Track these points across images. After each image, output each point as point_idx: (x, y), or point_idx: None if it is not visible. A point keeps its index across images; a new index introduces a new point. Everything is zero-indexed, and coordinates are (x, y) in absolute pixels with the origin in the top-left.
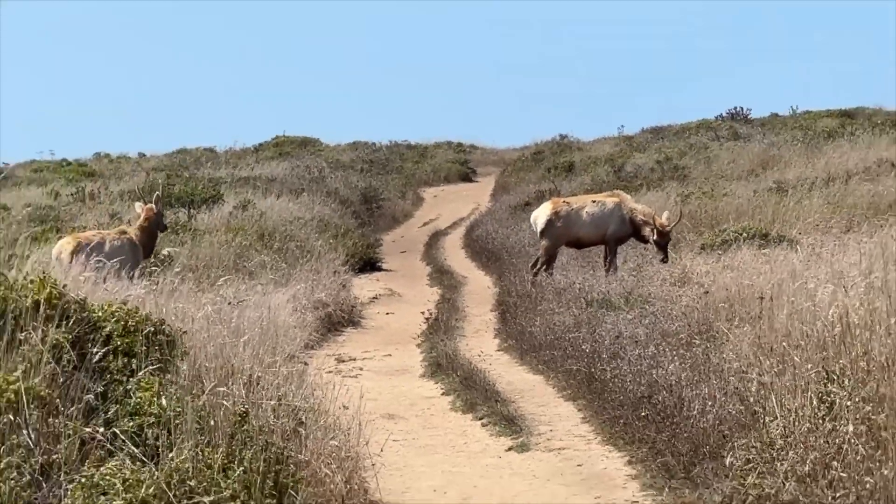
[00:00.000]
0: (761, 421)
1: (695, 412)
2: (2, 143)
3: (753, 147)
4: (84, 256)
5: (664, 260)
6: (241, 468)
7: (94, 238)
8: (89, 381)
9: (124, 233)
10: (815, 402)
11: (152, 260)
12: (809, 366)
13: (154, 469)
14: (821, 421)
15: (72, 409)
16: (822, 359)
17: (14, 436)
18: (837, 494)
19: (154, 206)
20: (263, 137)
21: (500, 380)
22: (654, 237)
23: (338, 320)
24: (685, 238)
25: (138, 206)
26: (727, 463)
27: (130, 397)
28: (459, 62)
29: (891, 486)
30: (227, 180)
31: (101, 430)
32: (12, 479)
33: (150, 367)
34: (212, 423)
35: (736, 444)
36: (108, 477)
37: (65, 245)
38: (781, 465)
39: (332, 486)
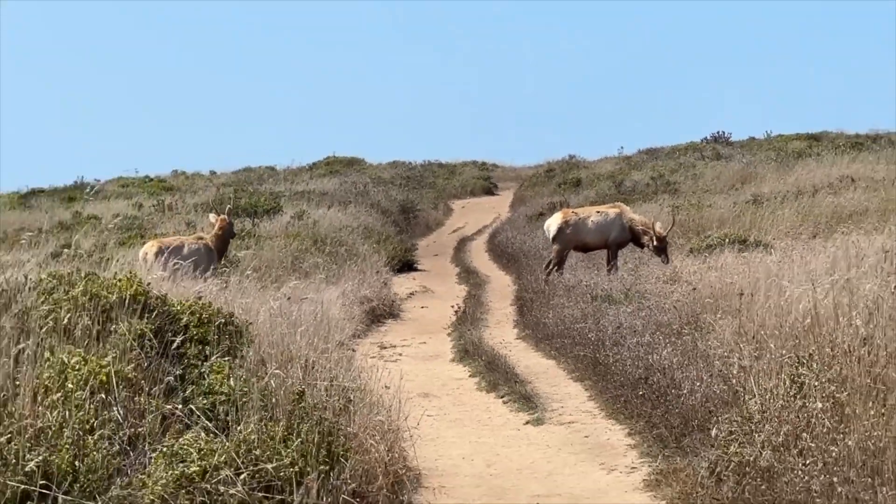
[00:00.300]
0: (742, 399)
1: (685, 391)
2: (95, 162)
3: (734, 165)
4: (165, 257)
5: (665, 261)
6: (299, 439)
7: (174, 242)
8: (169, 366)
9: (201, 238)
10: (787, 383)
11: (223, 262)
12: (783, 352)
13: (225, 440)
14: (792, 399)
15: (155, 389)
16: (793, 346)
17: (106, 412)
18: (807, 461)
19: (227, 216)
20: (316, 157)
21: (518, 364)
22: (654, 243)
23: (380, 313)
24: (675, 243)
25: (212, 217)
26: (712, 434)
27: (204, 379)
28: (483, 92)
29: (853, 455)
30: (285, 194)
31: (180, 407)
32: (104, 448)
33: (221, 353)
34: (273, 400)
35: (720, 418)
36: (185, 447)
37: (149, 247)
38: (759, 436)
39: (376, 454)
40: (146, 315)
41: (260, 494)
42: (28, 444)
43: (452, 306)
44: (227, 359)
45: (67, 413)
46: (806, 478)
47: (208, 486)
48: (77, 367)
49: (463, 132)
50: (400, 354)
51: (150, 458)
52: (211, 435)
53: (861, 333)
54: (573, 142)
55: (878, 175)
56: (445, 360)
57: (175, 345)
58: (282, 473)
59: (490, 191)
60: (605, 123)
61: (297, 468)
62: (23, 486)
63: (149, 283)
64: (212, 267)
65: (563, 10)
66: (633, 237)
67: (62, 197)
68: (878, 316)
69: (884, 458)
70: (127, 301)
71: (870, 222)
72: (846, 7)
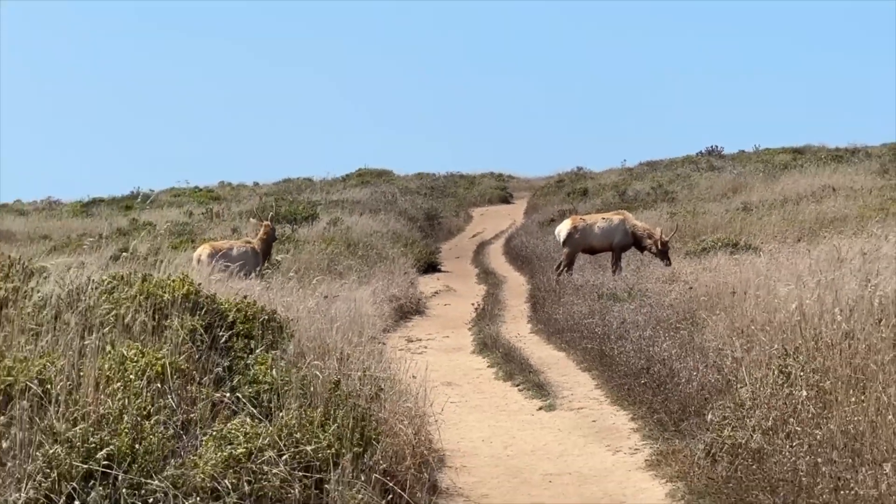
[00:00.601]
0: (734, 387)
1: (682, 380)
2: (149, 173)
3: (726, 176)
4: (216, 259)
5: (668, 264)
6: (335, 424)
7: (224, 245)
8: (218, 358)
9: (249, 242)
10: (776, 373)
11: (267, 264)
12: (772, 345)
13: (268, 425)
14: (780, 387)
15: (205, 379)
16: (781, 339)
17: (161, 400)
18: (794, 444)
19: (269, 222)
20: (349, 169)
21: (532, 356)
22: (658, 247)
23: (407, 310)
24: (673, 246)
25: (253, 220)
26: (708, 419)
27: (250, 370)
28: (501, 110)
29: (835, 438)
30: (321, 202)
31: (228, 395)
32: (160, 432)
33: (265, 347)
34: (312, 389)
35: (714, 404)
36: (233, 431)
37: (202, 250)
38: (750, 421)
39: (404, 437)
40: (197, 312)
41: (300, 473)
42: (91, 429)
43: (472, 304)
44: (270, 352)
45: (126, 401)
46: (793, 458)
47: (253, 467)
48: (135, 359)
49: (482, 146)
50: (425, 347)
51: (201, 441)
52: (256, 420)
53: (843, 328)
54: (581, 155)
55: (857, 185)
56: (466, 352)
57: (223, 339)
58: (320, 455)
59: (506, 199)
60: (609, 138)
61: (333, 450)
62: (87, 466)
63: (199, 284)
64: (257, 268)
65: (569, 33)
66: (636, 241)
67: (120, 205)
68: (858, 312)
69: (863, 441)
70: (179, 300)
71: (850, 227)
72: (827, 31)
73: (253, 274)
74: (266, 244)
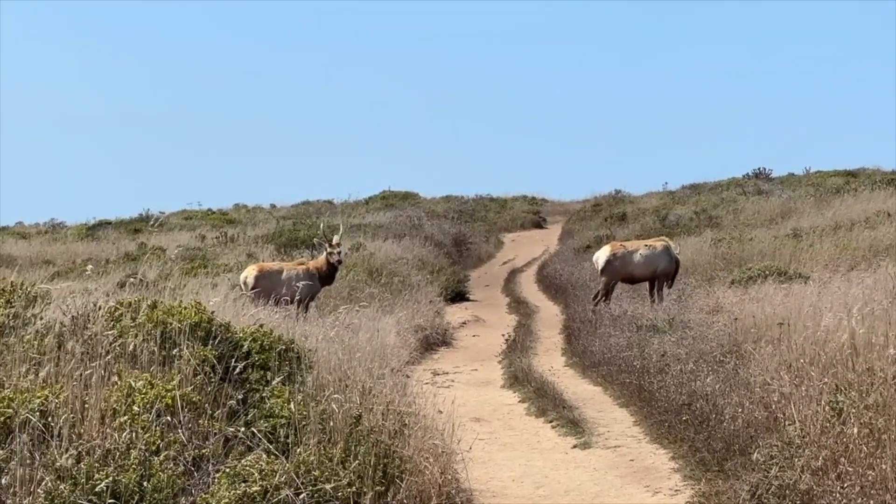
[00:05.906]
0: (782, 424)
1: (727, 417)
2: (159, 195)
3: (774, 200)
4: (264, 280)
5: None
6: (356, 461)
7: (274, 266)
8: (232, 390)
9: (302, 264)
10: (826, 409)
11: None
12: (823, 379)
13: (285, 461)
14: (831, 425)
15: (218, 412)
16: (832, 374)
17: (171, 434)
18: (845, 485)
19: (330, 242)
20: (372, 191)
21: (566, 390)
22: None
23: (433, 341)
24: (717, 275)
25: (316, 241)
26: (754, 459)
27: (265, 403)
28: (533, 129)
29: (889, 479)
30: (342, 226)
31: (242, 429)
32: (170, 468)
33: (282, 379)
34: (332, 424)
35: (761, 443)
36: (247, 468)
37: (250, 271)
38: (798, 460)
39: (430, 476)
40: (210, 341)
41: None
42: (96, 465)
43: (503, 335)
44: (287, 384)
45: (134, 435)
46: (844, 501)
47: None
48: (143, 390)
49: (514, 167)
50: (452, 381)
51: (214, 478)
52: (272, 456)
53: None
54: (619, 177)
55: None
56: (496, 386)
57: (237, 370)
58: (340, 493)
59: (539, 224)
60: (649, 159)
61: (354, 488)
62: None
63: (213, 312)
64: (314, 294)
65: (608, 49)
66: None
67: (128, 228)
68: None
69: None
70: (190, 328)
71: None
72: (881, 49)
73: (310, 300)
74: (329, 266)
